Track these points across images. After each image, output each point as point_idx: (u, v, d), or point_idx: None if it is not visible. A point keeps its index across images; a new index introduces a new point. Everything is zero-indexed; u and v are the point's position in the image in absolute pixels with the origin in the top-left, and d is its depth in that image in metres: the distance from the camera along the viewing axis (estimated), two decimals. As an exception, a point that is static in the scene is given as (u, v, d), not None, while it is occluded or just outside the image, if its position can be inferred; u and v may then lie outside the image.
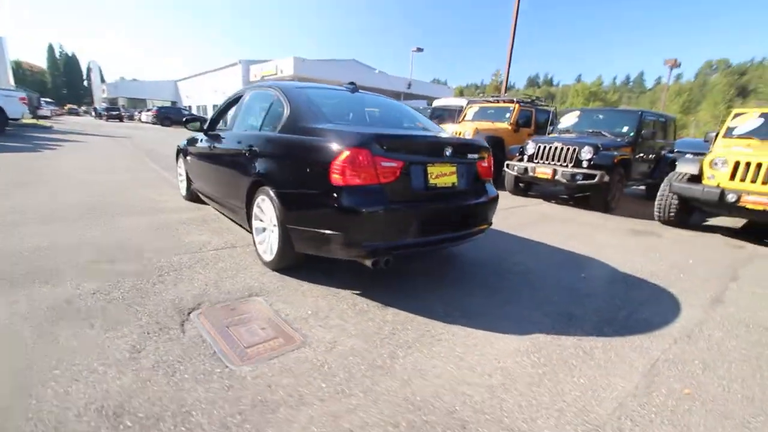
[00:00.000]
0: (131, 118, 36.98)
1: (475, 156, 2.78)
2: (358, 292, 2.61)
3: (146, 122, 31.72)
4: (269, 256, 2.84)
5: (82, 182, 5.74)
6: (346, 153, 2.22)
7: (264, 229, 2.96)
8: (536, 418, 1.57)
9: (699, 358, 2.11)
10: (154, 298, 2.30)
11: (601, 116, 8.01)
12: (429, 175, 2.52)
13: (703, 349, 2.21)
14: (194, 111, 40.90)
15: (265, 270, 2.86)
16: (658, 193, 5.71)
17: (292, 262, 2.75)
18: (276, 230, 2.74)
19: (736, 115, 6.16)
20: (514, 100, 9.52)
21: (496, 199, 2.99)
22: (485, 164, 2.90)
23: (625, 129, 7.28)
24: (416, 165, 2.44)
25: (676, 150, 9.04)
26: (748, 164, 4.82)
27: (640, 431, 1.55)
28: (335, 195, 2.26)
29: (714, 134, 6.30)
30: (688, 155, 6.14)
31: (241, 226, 3.74)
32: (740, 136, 5.85)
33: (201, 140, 4.27)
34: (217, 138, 3.72)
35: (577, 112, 8.20)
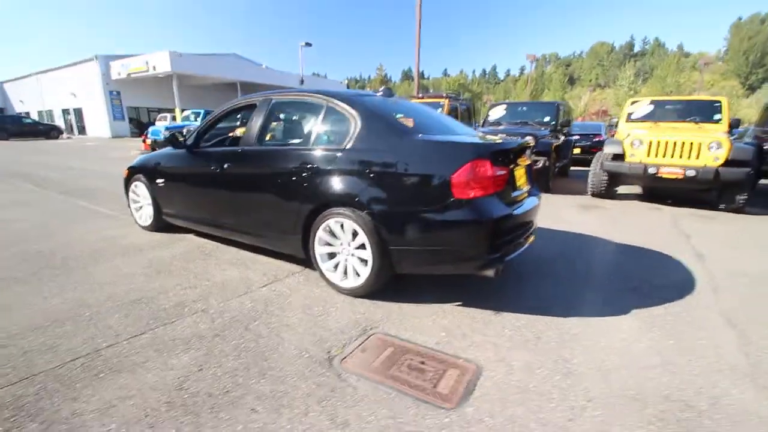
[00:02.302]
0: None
1: (538, 159, 2.93)
2: (458, 303, 2.56)
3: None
4: (351, 282, 2.58)
5: (-26, 225, 4.29)
6: (470, 165, 2.15)
7: (334, 255, 2.67)
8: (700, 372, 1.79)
9: (740, 302, 2.63)
10: (279, 358, 1.91)
11: (524, 108, 9.04)
12: (516, 180, 2.59)
13: (734, 298, 2.75)
14: (35, 117, 33.14)
15: (349, 299, 2.58)
16: (590, 171, 6.75)
17: (382, 285, 2.55)
18: (356, 253, 2.52)
19: (633, 102, 7.59)
20: (444, 94, 10.09)
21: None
22: (538, 165, 3.08)
23: (546, 119, 8.35)
24: (511, 171, 2.48)
25: (573, 133, 10.74)
26: (658, 143, 6.01)
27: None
28: (458, 208, 2.17)
29: (616, 120, 7.68)
30: (610, 139, 7.33)
31: (257, 251, 3.29)
32: (638, 120, 7.26)
33: (181, 158, 3.58)
34: (224, 157, 3.16)
35: (504, 106, 9.10)
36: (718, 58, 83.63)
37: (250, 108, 3.22)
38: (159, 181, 3.79)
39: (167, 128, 14.41)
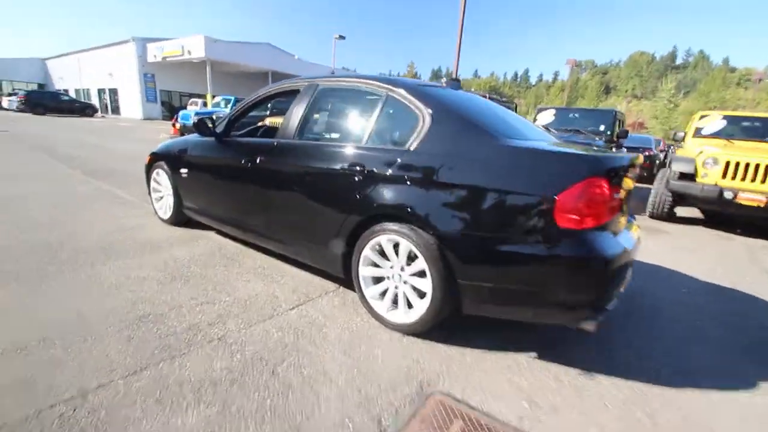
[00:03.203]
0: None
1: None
2: (533, 355, 2.03)
3: (9, 109, 25.40)
4: (401, 316, 2.09)
5: (-12, 204, 4.01)
6: (584, 184, 1.61)
7: (382, 279, 2.19)
8: None
9: None
10: (315, 429, 1.44)
11: (576, 115, 8.32)
12: (624, 204, 2.04)
13: None
14: (72, 95, 34.05)
15: (397, 336, 2.09)
16: (653, 191, 6.04)
17: (439, 322, 2.04)
18: (410, 281, 2.04)
19: (702, 116, 6.81)
20: (486, 95, 9.45)
21: None
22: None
23: (601, 128, 7.63)
24: (618, 192, 1.92)
25: (625, 146, 9.91)
26: (737, 164, 5.26)
27: None
28: (561, 240, 1.64)
29: (683, 134, 6.90)
30: (678, 155, 6.58)
31: (293, 264, 2.84)
32: (708, 136, 6.48)
33: (208, 147, 3.16)
34: (257, 149, 2.72)
35: (552, 111, 8.41)
36: (766, 74, 79.23)
37: (291, 94, 2.76)
38: (182, 171, 3.39)
39: (197, 113, 14.28)
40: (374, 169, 2.08)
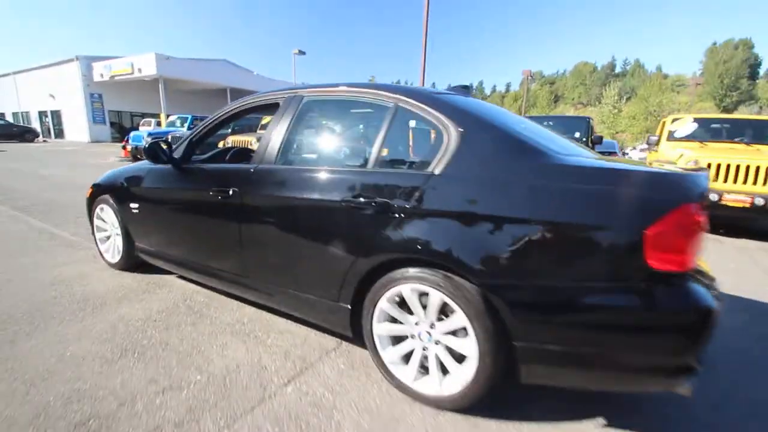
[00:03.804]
0: None
1: None
2: (601, 422, 1.62)
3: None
4: (434, 386, 1.62)
5: None
6: (680, 213, 1.24)
7: (404, 338, 1.72)
8: None
9: None
10: None
11: (551, 123, 8.29)
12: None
13: None
14: (9, 119, 31.25)
15: (431, 414, 1.62)
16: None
17: (486, 394, 1.59)
18: (444, 341, 1.60)
19: (674, 120, 6.90)
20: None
21: None
22: None
23: (577, 134, 7.61)
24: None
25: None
26: (718, 166, 5.27)
27: None
28: (653, 286, 1.25)
29: (656, 138, 6.96)
30: (657, 159, 6.58)
31: (287, 318, 2.31)
32: (682, 139, 6.55)
33: (165, 176, 2.59)
34: (228, 178, 2.19)
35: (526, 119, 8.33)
36: (693, 80, 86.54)
37: (268, 109, 2.27)
38: (133, 205, 2.78)
39: (150, 134, 13.24)
40: (388, 200, 1.63)
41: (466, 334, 1.51)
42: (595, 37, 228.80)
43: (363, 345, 1.91)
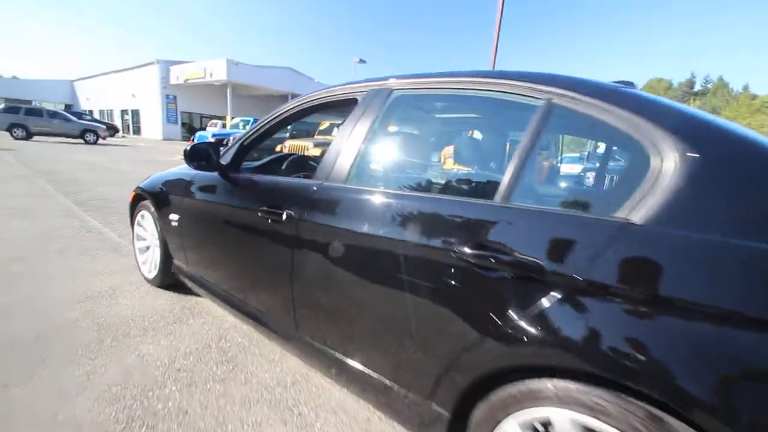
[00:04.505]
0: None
1: None
2: None
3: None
4: None
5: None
6: None
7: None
8: None
9: None
10: None
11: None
12: None
13: None
14: (96, 116, 34.48)
15: None
16: None
17: None
18: None
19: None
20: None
21: None
22: None
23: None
24: None
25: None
26: None
27: None
28: None
29: None
30: None
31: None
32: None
33: (208, 185, 2.12)
34: (286, 195, 1.65)
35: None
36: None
37: (340, 106, 1.70)
38: (172, 216, 2.35)
39: (214, 135, 13.61)
40: (538, 261, 0.96)
41: None
42: (671, 53, 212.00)
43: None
